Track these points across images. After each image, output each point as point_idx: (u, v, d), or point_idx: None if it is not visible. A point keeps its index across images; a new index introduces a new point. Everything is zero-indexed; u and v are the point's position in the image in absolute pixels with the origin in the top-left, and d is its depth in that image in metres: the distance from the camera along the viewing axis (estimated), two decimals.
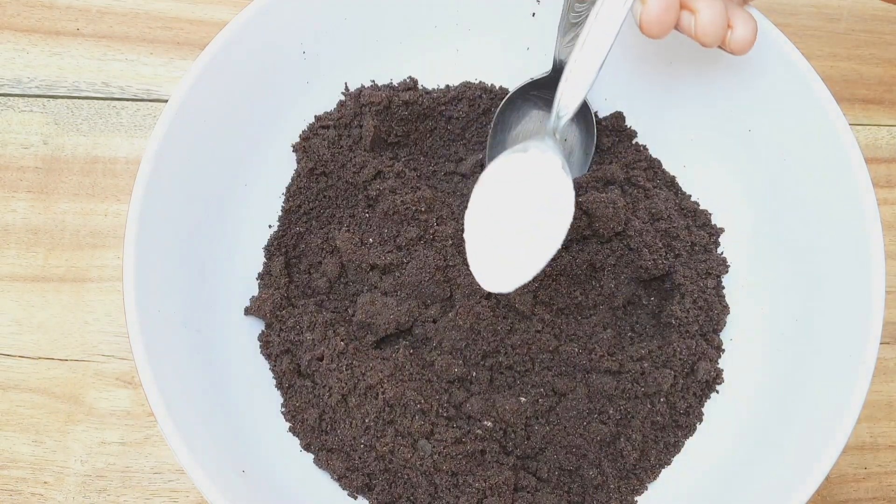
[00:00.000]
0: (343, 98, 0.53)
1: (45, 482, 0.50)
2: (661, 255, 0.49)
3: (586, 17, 0.48)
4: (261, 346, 0.49)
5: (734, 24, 0.38)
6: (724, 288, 0.51)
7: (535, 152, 0.41)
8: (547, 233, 0.40)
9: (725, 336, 0.50)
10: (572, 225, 0.48)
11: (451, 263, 0.49)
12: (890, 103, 0.64)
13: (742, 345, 0.49)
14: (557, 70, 0.51)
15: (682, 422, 0.48)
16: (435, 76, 0.54)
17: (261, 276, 0.50)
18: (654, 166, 0.53)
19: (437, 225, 0.51)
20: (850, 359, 0.42)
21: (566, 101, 0.41)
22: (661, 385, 0.47)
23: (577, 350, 0.48)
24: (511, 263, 0.40)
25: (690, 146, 0.53)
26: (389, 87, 0.53)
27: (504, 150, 0.53)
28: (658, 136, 0.54)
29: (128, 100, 0.59)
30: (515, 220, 0.41)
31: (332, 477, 0.46)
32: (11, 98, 0.59)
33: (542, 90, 0.52)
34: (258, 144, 0.50)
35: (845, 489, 0.53)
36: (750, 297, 0.50)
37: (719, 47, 0.40)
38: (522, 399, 0.47)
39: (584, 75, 0.40)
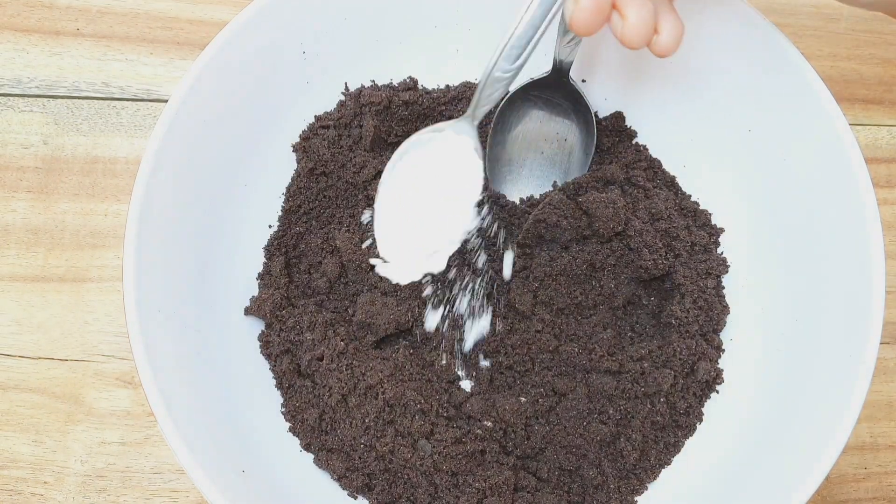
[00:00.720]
0: (343, 98, 0.53)
1: (45, 482, 0.50)
2: (661, 255, 0.49)
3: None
4: (261, 346, 0.49)
5: (661, 29, 0.39)
6: (724, 288, 0.51)
7: (449, 133, 0.41)
8: (455, 214, 0.41)
9: (725, 336, 0.50)
10: (572, 225, 0.48)
11: (450, 264, 0.49)
12: (890, 103, 0.64)
13: (742, 345, 0.49)
14: (557, 70, 0.51)
15: (682, 422, 0.48)
16: (435, 76, 0.54)
17: (261, 276, 0.50)
18: (654, 166, 0.53)
19: None
20: (850, 359, 0.42)
21: (486, 92, 0.41)
22: (661, 385, 0.47)
23: (577, 350, 0.48)
24: (421, 252, 0.41)
25: (690, 146, 0.53)
26: (389, 87, 0.53)
27: (504, 150, 0.53)
28: (658, 136, 0.54)
29: (128, 100, 0.59)
30: (425, 201, 0.41)
31: (332, 477, 0.46)
32: (11, 98, 0.59)
33: (542, 90, 0.52)
34: (258, 144, 0.50)
35: (845, 489, 0.53)
36: (750, 297, 0.50)
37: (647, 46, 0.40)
38: (522, 399, 0.47)
39: (504, 69, 0.40)
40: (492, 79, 0.40)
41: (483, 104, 0.41)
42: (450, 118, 0.54)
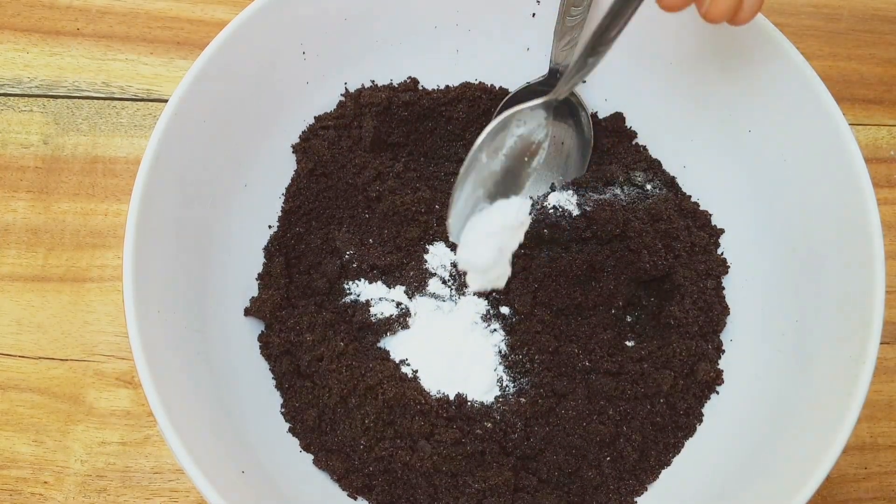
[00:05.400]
0: (343, 98, 0.53)
1: (45, 482, 0.50)
2: (660, 257, 0.48)
3: (582, 20, 0.48)
4: (261, 347, 0.49)
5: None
6: (724, 288, 0.51)
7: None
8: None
9: (725, 337, 0.50)
10: (571, 225, 0.48)
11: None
12: (890, 103, 0.64)
13: (742, 345, 0.49)
14: (554, 73, 0.51)
15: (682, 423, 0.48)
16: (435, 76, 0.54)
17: (261, 277, 0.50)
18: (654, 167, 0.53)
19: (437, 225, 0.51)
20: (850, 359, 0.42)
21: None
22: (661, 386, 0.47)
23: (576, 350, 0.48)
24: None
25: (690, 147, 0.53)
26: (389, 87, 0.53)
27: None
28: (658, 137, 0.54)
29: (128, 99, 0.59)
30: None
31: (332, 478, 0.46)
32: (11, 98, 0.59)
33: (538, 94, 0.52)
34: (258, 145, 0.50)
35: (845, 489, 0.53)
36: (750, 298, 0.50)
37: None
38: (522, 399, 0.47)
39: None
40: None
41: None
42: (450, 119, 0.54)
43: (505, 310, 0.49)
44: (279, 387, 0.48)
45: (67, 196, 0.56)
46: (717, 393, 0.49)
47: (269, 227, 0.51)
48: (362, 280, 0.50)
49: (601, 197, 0.49)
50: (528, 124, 0.44)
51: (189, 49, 0.61)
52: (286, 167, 0.52)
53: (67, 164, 0.57)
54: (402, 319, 0.48)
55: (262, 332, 0.49)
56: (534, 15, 0.53)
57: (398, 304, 0.49)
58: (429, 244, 0.51)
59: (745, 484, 0.43)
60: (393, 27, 0.52)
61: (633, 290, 0.50)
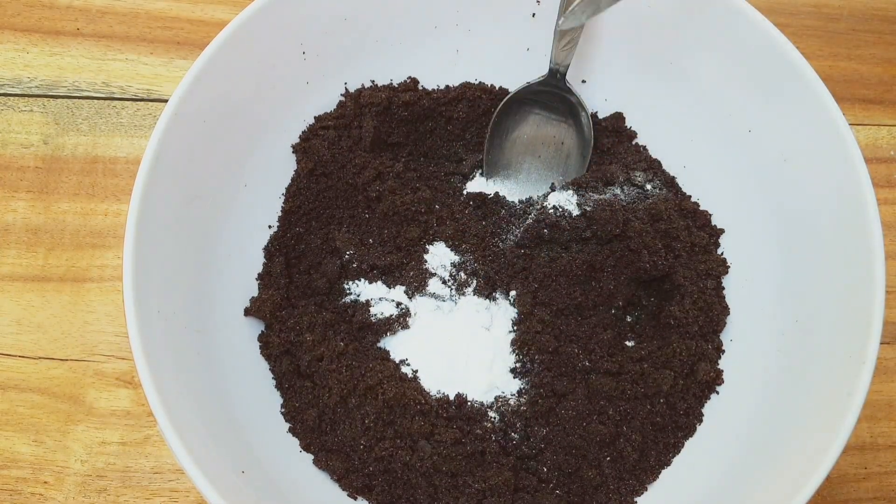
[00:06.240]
0: (343, 98, 0.53)
1: (45, 482, 0.50)
2: (660, 256, 0.48)
3: (582, 21, 0.48)
4: (261, 347, 0.49)
5: None
6: (724, 288, 0.51)
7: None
8: None
9: (725, 337, 0.50)
10: (571, 225, 0.48)
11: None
12: (890, 103, 0.64)
13: (742, 345, 0.49)
14: (553, 73, 0.51)
15: (682, 422, 0.48)
16: (435, 76, 0.54)
17: (261, 277, 0.50)
18: (654, 166, 0.53)
19: (437, 225, 0.51)
20: (850, 359, 0.42)
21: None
22: (661, 386, 0.47)
23: (576, 350, 0.48)
24: None
25: (690, 146, 0.53)
26: (389, 87, 0.53)
27: (502, 154, 0.53)
28: (658, 137, 0.54)
29: (128, 99, 0.59)
30: None
31: (332, 477, 0.46)
32: (11, 98, 0.59)
33: (538, 94, 0.52)
34: (258, 145, 0.50)
35: (845, 489, 0.53)
36: (750, 298, 0.50)
37: None
38: (522, 399, 0.47)
39: None
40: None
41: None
42: (450, 119, 0.54)
43: (505, 310, 0.49)
44: (279, 387, 0.48)
45: (67, 196, 0.56)
46: (717, 393, 0.48)
47: (269, 227, 0.51)
48: (362, 280, 0.50)
49: (601, 197, 0.49)
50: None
51: (189, 49, 0.61)
52: (286, 167, 0.52)
53: (67, 164, 0.57)
54: (402, 319, 0.48)
55: (262, 332, 0.49)
56: (534, 15, 0.53)
57: (398, 304, 0.49)
58: (429, 244, 0.51)
59: (745, 484, 0.43)
60: (393, 27, 0.52)
61: (633, 290, 0.50)
